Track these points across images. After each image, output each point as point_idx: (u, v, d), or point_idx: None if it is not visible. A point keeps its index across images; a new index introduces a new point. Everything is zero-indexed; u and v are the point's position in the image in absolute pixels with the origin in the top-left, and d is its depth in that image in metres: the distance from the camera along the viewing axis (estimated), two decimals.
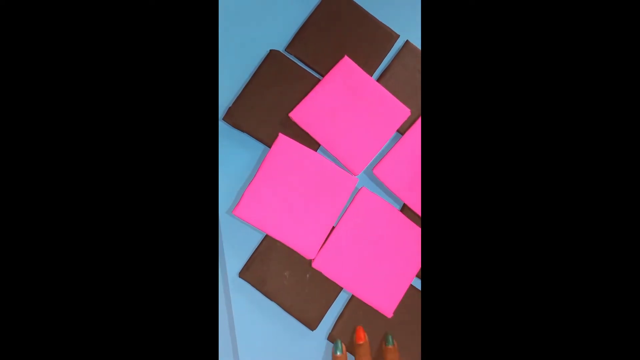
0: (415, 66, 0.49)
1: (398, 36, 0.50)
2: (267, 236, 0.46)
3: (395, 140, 0.48)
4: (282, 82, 0.47)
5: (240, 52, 0.48)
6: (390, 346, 0.44)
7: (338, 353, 0.43)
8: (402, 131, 0.48)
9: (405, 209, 0.47)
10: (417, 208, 0.46)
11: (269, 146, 0.46)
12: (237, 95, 0.47)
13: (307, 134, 0.47)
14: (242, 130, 0.46)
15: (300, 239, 0.45)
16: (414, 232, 0.46)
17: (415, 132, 0.48)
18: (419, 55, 0.49)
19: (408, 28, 0.50)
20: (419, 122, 0.48)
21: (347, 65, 0.48)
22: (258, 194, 0.45)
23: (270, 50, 0.48)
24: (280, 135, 0.46)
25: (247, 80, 0.47)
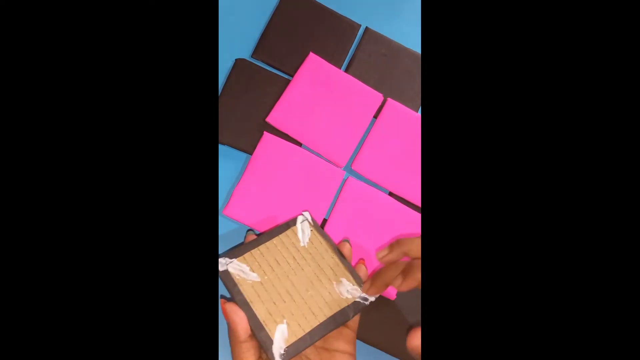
0: (379, 51, 0.49)
1: (359, 26, 0.50)
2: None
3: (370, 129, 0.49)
4: (254, 89, 0.48)
5: None
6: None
7: None
8: (377, 116, 0.49)
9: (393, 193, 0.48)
10: (402, 193, 0.47)
11: (252, 154, 0.47)
12: None
13: (287, 135, 0.47)
14: (222, 143, 0.47)
15: None
16: (407, 214, 0.46)
17: (383, 119, 0.48)
18: (381, 40, 0.50)
19: (366, 15, 0.51)
20: (385, 109, 0.49)
21: (314, 62, 0.48)
22: (247, 193, 0.45)
23: (236, 60, 0.48)
24: (265, 133, 0.46)
25: (219, 93, 0.48)
